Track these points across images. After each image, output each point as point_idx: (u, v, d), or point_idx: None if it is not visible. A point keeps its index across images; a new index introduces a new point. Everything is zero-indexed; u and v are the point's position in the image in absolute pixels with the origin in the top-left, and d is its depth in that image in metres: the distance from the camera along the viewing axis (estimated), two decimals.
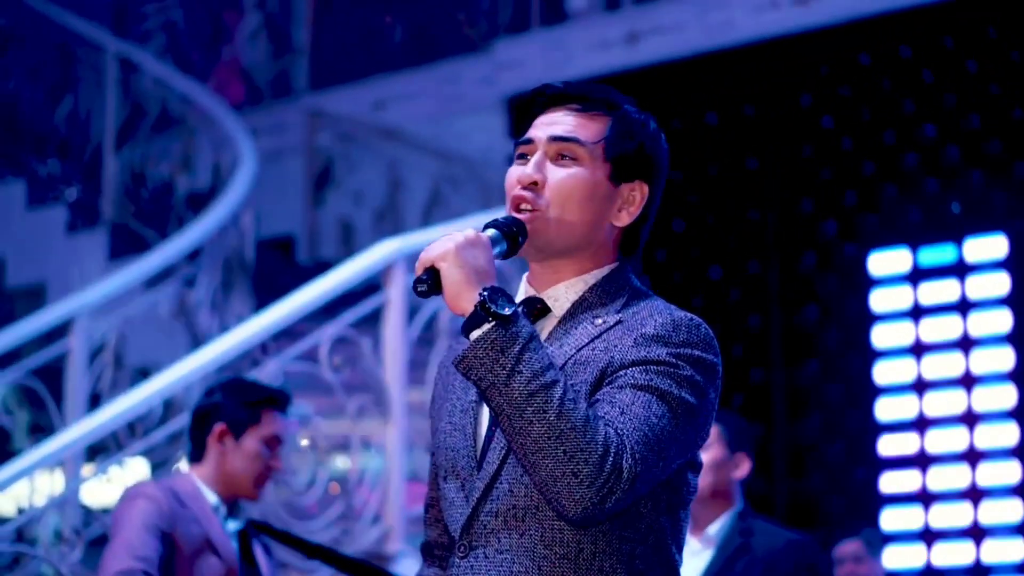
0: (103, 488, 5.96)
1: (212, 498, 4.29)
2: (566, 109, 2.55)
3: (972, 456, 7.18)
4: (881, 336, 7.50)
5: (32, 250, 9.09)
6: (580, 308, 2.51)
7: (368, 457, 6.21)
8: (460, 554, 2.44)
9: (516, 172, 2.52)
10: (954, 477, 7.21)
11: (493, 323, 2.31)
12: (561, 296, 2.53)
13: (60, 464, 5.85)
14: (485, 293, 2.31)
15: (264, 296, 7.43)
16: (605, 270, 2.54)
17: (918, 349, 7.38)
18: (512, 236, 2.46)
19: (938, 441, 7.28)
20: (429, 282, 2.36)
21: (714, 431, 4.59)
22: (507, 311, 2.31)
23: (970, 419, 7.21)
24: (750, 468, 4.76)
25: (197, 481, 4.30)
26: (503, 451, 2.42)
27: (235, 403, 4.34)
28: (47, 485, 5.96)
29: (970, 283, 7.28)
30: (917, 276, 7.43)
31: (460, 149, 9.63)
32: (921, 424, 7.33)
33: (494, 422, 2.41)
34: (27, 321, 6.94)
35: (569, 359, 2.44)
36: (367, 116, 9.96)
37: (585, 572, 2.38)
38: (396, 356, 6.24)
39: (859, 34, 7.77)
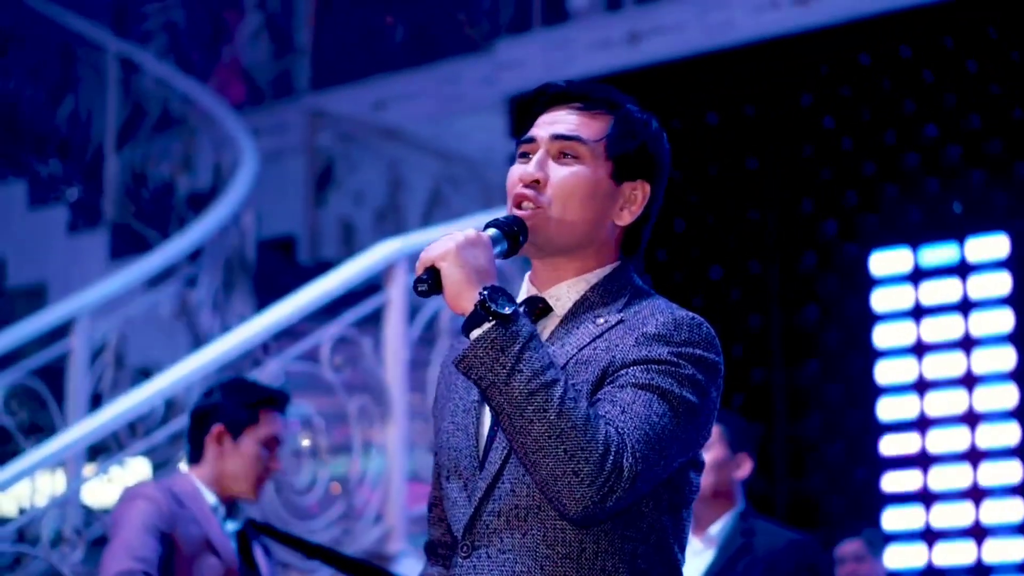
0: (104, 488, 5.96)
1: (211, 498, 4.29)
2: (568, 108, 2.55)
3: (973, 456, 7.18)
4: (882, 336, 7.50)
5: (33, 250, 9.09)
6: (582, 307, 2.51)
7: (369, 457, 6.21)
8: (463, 554, 2.44)
9: (518, 170, 2.53)
10: (955, 477, 7.21)
11: (493, 322, 2.31)
12: (563, 295, 2.53)
13: (61, 464, 5.85)
14: (485, 292, 2.32)
15: (265, 296, 7.43)
16: (607, 269, 2.54)
17: (919, 349, 7.38)
18: (513, 235, 2.46)
19: (939, 441, 7.28)
20: (429, 281, 2.36)
21: (716, 431, 4.59)
22: (507, 310, 2.31)
23: (971, 419, 7.21)
24: (752, 468, 4.76)
25: (196, 481, 4.30)
26: (505, 451, 2.42)
27: (233, 404, 4.34)
28: (48, 485, 5.95)
29: (971, 283, 7.28)
30: (918, 276, 7.43)
31: (461, 149, 9.63)
32: (922, 424, 7.33)
33: (496, 422, 2.41)
34: (28, 321, 6.94)
35: (571, 358, 2.44)
36: (368, 116, 9.96)
37: (588, 572, 2.38)
38: (397, 356, 6.24)
39: (859, 34, 7.77)
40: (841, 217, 7.81)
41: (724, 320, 7.79)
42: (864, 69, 7.79)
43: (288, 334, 6.31)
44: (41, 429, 6.41)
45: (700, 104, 8.17)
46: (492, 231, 2.45)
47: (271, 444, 4.35)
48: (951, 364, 7.29)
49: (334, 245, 9.99)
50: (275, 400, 4.41)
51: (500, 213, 2.54)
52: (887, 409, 7.43)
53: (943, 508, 7.22)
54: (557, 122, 2.54)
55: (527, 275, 2.58)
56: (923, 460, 7.30)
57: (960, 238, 7.35)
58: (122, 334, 7.29)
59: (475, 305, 2.32)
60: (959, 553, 7.16)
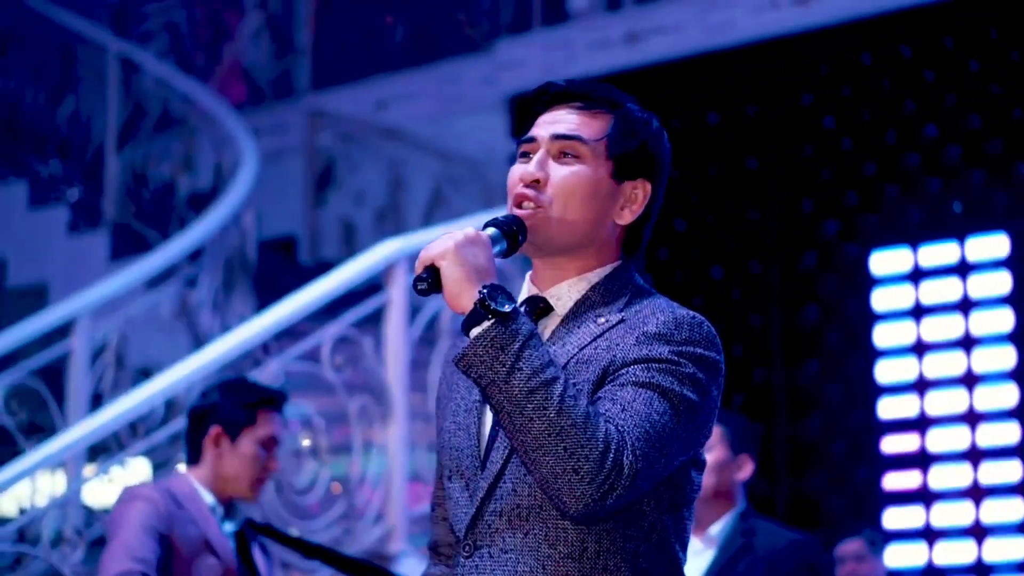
0: (105, 488, 5.96)
1: (209, 499, 4.28)
2: (568, 107, 2.55)
3: (974, 455, 7.19)
4: (882, 335, 7.50)
5: (34, 250, 9.09)
6: (583, 307, 2.51)
7: (370, 457, 6.21)
8: (465, 553, 2.45)
9: (518, 170, 2.53)
10: (956, 476, 7.21)
11: (493, 321, 2.31)
12: (564, 295, 2.53)
13: (62, 464, 5.85)
14: (485, 291, 2.32)
15: (266, 296, 7.43)
16: (608, 268, 2.54)
17: (919, 348, 7.39)
18: (512, 234, 2.46)
19: (940, 440, 7.28)
20: (429, 280, 2.36)
21: (717, 432, 4.59)
22: (507, 308, 2.31)
23: (972, 418, 7.21)
24: (753, 469, 4.76)
25: (194, 482, 4.30)
26: (507, 450, 2.42)
27: (231, 405, 4.33)
28: (49, 485, 5.96)
29: (971, 282, 7.29)
30: (918, 275, 7.44)
31: (461, 149, 9.64)
32: (922, 423, 7.33)
33: (497, 421, 2.41)
34: (28, 321, 6.94)
35: (572, 358, 2.44)
36: (368, 116, 9.96)
37: (589, 571, 2.38)
38: (398, 356, 6.24)
39: (860, 34, 7.77)
40: (841, 217, 7.81)
41: (725, 320, 7.79)
42: (864, 69, 7.80)
43: (289, 334, 6.31)
44: (41, 429, 6.41)
45: (700, 104, 8.17)
46: (491, 230, 2.45)
47: (269, 444, 4.34)
48: (951, 363, 7.29)
49: (335, 245, 9.99)
50: (273, 400, 4.40)
51: (501, 213, 2.54)
52: (887, 409, 7.43)
53: (943, 507, 7.22)
54: (558, 122, 2.54)
55: (528, 274, 2.59)
56: (923, 460, 7.31)
57: (960, 238, 7.35)
58: (123, 334, 7.29)
59: (475, 303, 2.32)
60: (959, 552, 7.16)
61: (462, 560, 2.45)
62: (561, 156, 2.52)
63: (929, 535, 7.24)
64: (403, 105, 9.92)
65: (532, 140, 2.55)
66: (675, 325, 2.42)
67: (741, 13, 8.01)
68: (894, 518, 7.33)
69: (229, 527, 4.31)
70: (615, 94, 2.57)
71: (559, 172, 2.51)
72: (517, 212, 2.49)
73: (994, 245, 7.26)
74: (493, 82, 8.97)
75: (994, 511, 7.11)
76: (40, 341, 6.91)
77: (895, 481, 7.38)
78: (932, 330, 7.36)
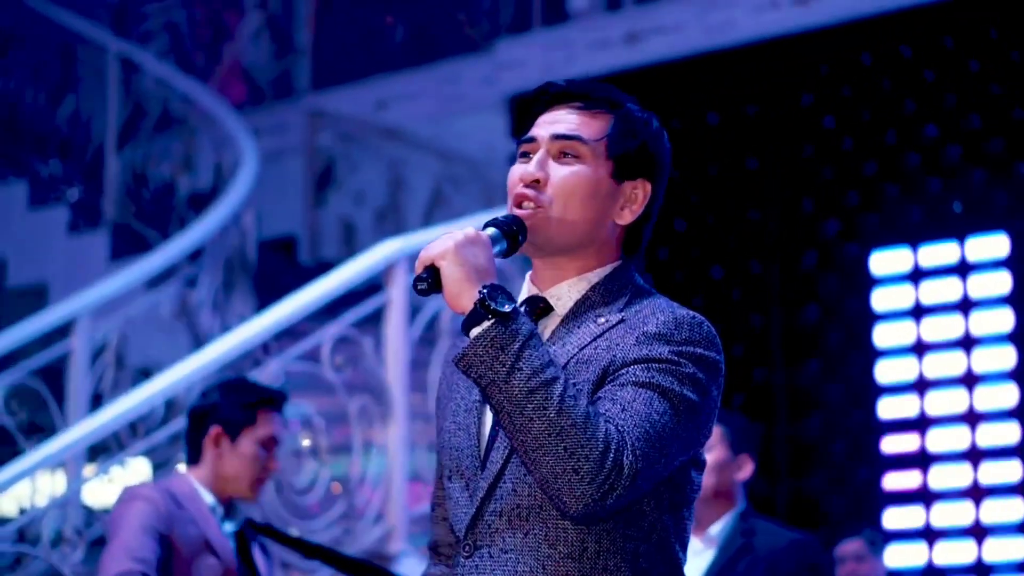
0: (105, 488, 5.96)
1: (209, 499, 4.28)
2: (568, 107, 2.55)
3: (974, 455, 7.19)
4: (882, 335, 7.50)
5: (34, 250, 9.08)
6: (583, 307, 2.51)
7: (370, 457, 6.21)
8: (465, 553, 2.45)
9: (519, 170, 2.53)
10: (956, 476, 7.21)
11: (493, 320, 2.31)
12: (564, 295, 2.53)
13: (62, 464, 5.85)
14: (485, 291, 2.32)
15: (266, 296, 7.43)
16: (608, 268, 2.54)
17: (919, 348, 7.39)
18: (512, 234, 2.46)
19: (940, 440, 7.28)
20: (429, 280, 2.36)
21: (717, 432, 4.59)
22: (506, 308, 2.31)
23: (972, 418, 7.21)
24: (753, 469, 4.76)
25: (194, 482, 4.29)
26: (507, 450, 2.42)
27: (230, 405, 4.33)
28: (49, 485, 5.95)
29: (971, 282, 7.29)
30: (918, 275, 7.44)
31: (461, 149, 9.64)
32: (923, 423, 7.33)
33: (497, 421, 2.41)
34: (29, 321, 6.94)
35: (572, 358, 2.44)
36: (368, 116, 9.97)
37: (590, 571, 2.38)
38: (398, 356, 6.24)
39: (860, 34, 7.77)
40: (842, 217, 7.81)
41: (725, 320, 7.79)
42: (865, 69, 7.80)
43: (289, 334, 6.31)
44: (41, 429, 6.41)
45: (700, 104, 8.17)
46: (491, 230, 2.45)
47: (269, 444, 4.34)
48: (951, 363, 7.29)
49: (335, 245, 9.99)
50: (272, 400, 4.40)
51: (501, 213, 2.54)
52: (887, 409, 7.43)
53: (943, 507, 7.22)
54: (558, 121, 2.54)
55: (528, 274, 2.59)
56: (923, 459, 7.31)
57: (960, 238, 7.35)
58: (123, 334, 7.28)
59: (474, 303, 2.32)
60: (959, 552, 7.16)
61: (462, 560, 2.45)
62: (561, 156, 2.52)
63: (929, 535, 7.24)
64: (403, 105, 9.92)
65: (532, 140, 2.55)
66: (675, 325, 2.42)
67: (741, 13, 8.01)
68: (894, 518, 7.34)
69: (229, 527, 4.31)
70: (615, 94, 2.57)
71: (559, 172, 2.51)
72: (517, 212, 2.49)
73: (994, 245, 7.27)
74: (493, 82, 8.97)
75: (994, 511, 7.11)
76: (40, 341, 6.91)
77: (895, 481, 7.38)
78: (932, 330, 7.36)
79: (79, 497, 5.80)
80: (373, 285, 6.42)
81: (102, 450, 6.10)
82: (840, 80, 7.85)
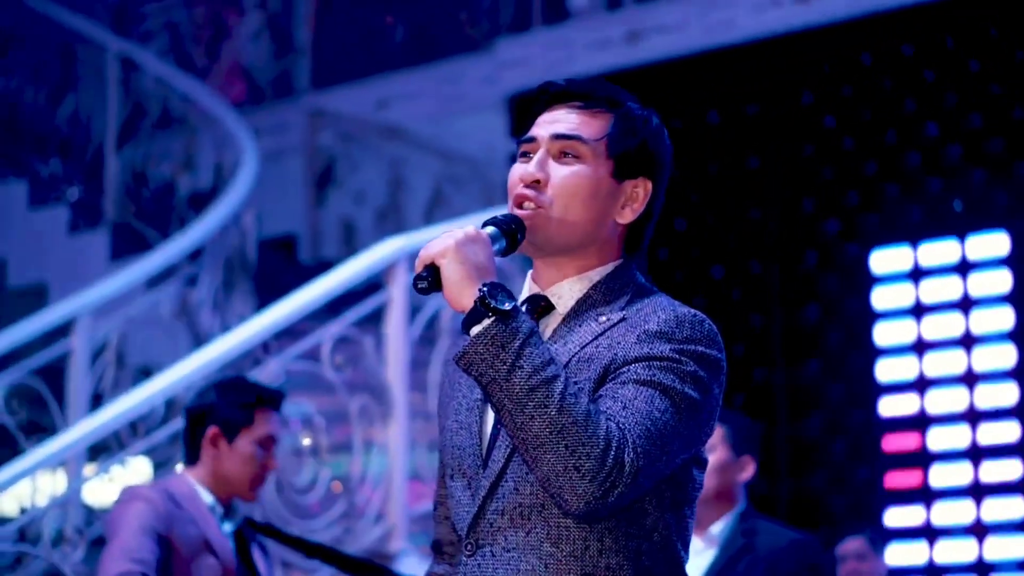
0: (105, 487, 5.96)
1: (208, 499, 4.28)
2: (568, 107, 2.55)
3: (975, 453, 7.19)
4: (883, 334, 7.50)
5: (34, 250, 9.08)
6: (584, 305, 2.51)
7: (370, 456, 6.21)
8: (467, 552, 2.44)
9: (519, 170, 2.53)
10: (957, 474, 7.21)
11: (493, 319, 2.31)
12: (565, 293, 2.53)
13: (62, 464, 5.85)
14: (485, 289, 2.32)
15: (266, 296, 7.42)
16: (609, 267, 2.54)
17: (920, 347, 7.38)
18: (511, 233, 2.46)
19: (941, 439, 7.28)
20: (429, 279, 2.36)
21: (719, 433, 4.60)
22: (507, 306, 2.31)
23: (973, 416, 7.21)
24: (755, 470, 4.76)
25: (193, 482, 4.29)
26: (508, 449, 2.42)
27: (227, 405, 4.32)
28: (49, 485, 5.95)
29: (972, 281, 7.28)
30: (919, 274, 7.43)
31: (462, 148, 9.63)
32: (923, 422, 7.33)
33: (499, 419, 2.41)
34: (29, 321, 6.94)
35: (573, 356, 2.44)
36: (369, 115, 9.96)
37: (592, 569, 2.38)
38: (398, 355, 6.24)
39: (860, 33, 7.77)
40: (842, 216, 7.81)
41: (725, 319, 7.79)
42: (865, 68, 7.80)
43: (289, 333, 6.31)
44: (42, 429, 6.41)
45: (701, 103, 8.17)
46: (490, 229, 2.45)
47: (267, 444, 4.33)
48: (952, 362, 7.29)
49: (335, 244, 9.99)
50: (269, 399, 4.39)
51: (501, 212, 2.54)
52: (888, 407, 7.43)
53: (944, 506, 7.22)
54: (557, 121, 2.53)
55: (529, 273, 2.58)
56: (924, 458, 7.30)
57: (960, 236, 7.35)
58: (123, 334, 7.28)
59: (475, 302, 2.32)
60: (960, 551, 7.16)
61: (464, 559, 2.45)
62: (561, 156, 2.52)
63: (930, 534, 7.24)
64: (403, 104, 9.92)
65: (532, 140, 2.54)
66: (676, 323, 2.42)
67: (742, 12, 8.01)
68: (895, 517, 7.33)
69: (228, 527, 4.31)
70: (615, 93, 2.57)
71: (559, 172, 2.51)
72: (517, 212, 2.49)
73: (994, 244, 7.26)
74: (493, 81, 8.97)
75: (995, 509, 7.11)
76: (40, 340, 6.90)
77: (896, 480, 7.37)
78: (933, 329, 7.36)
79: (80, 496, 5.81)
80: (373, 284, 6.42)
81: (102, 449, 6.10)
82: (840, 79, 7.85)
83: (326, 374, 6.10)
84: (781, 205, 8.01)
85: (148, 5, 11.26)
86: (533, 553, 2.39)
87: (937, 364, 7.33)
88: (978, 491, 7.15)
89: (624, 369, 2.39)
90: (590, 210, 2.50)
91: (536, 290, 2.55)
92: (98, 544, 5.04)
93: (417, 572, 4.93)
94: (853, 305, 7.68)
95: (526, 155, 2.54)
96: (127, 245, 8.72)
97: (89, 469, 6.03)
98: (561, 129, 2.52)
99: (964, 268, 7.31)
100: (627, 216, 2.55)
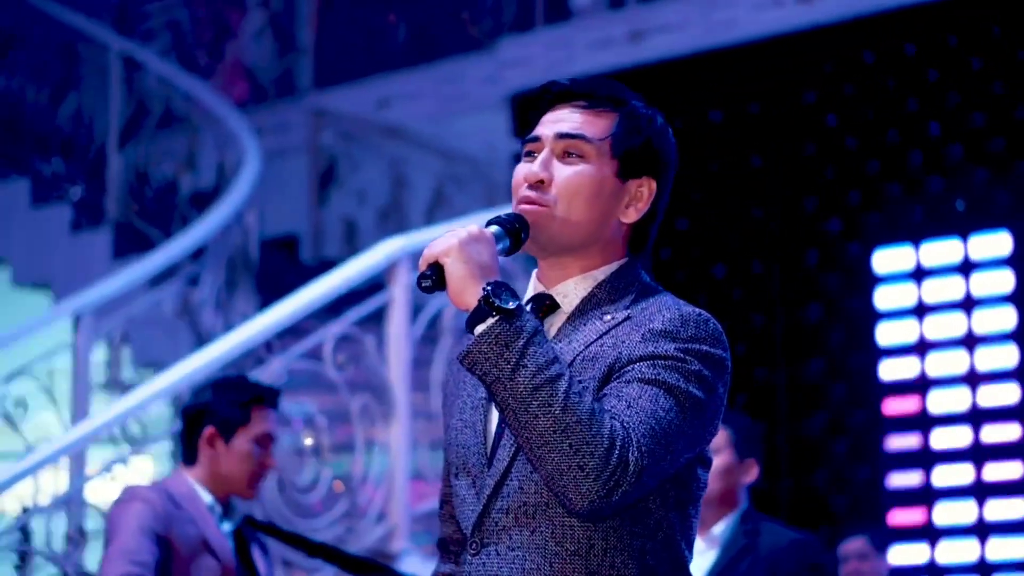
0: (108, 486, 5.96)
1: (207, 498, 4.28)
2: (572, 106, 2.55)
3: (977, 454, 7.18)
4: (885, 334, 7.50)
5: (36, 249, 9.09)
6: (589, 304, 2.51)
7: (372, 455, 6.21)
8: (472, 551, 2.45)
9: (523, 170, 2.53)
10: (959, 474, 7.21)
11: (497, 317, 2.31)
12: (570, 292, 2.53)
13: (65, 462, 5.85)
14: (489, 288, 2.31)
15: (268, 295, 7.43)
16: (614, 266, 2.54)
17: (922, 347, 7.38)
18: (515, 232, 2.46)
19: (943, 439, 7.28)
20: (433, 278, 2.36)
21: (724, 436, 4.60)
22: (511, 305, 2.31)
23: (975, 417, 7.20)
24: (758, 472, 4.76)
25: (192, 482, 4.29)
26: (513, 448, 2.42)
27: (223, 404, 4.32)
28: (52, 483, 5.96)
29: (974, 280, 7.28)
30: (921, 274, 7.43)
31: (464, 148, 9.63)
32: (926, 422, 7.32)
33: (504, 418, 2.41)
34: (32, 319, 6.94)
35: (578, 355, 2.44)
36: (371, 115, 9.96)
37: (596, 568, 2.38)
38: (400, 354, 6.24)
39: (863, 32, 7.76)
40: (844, 215, 7.80)
41: (727, 319, 7.72)
42: (867, 67, 7.79)
43: (291, 332, 6.32)
44: (45, 427, 6.41)
45: (703, 102, 8.16)
46: (494, 228, 2.45)
47: (264, 442, 4.33)
48: (954, 362, 7.29)
49: (337, 244, 9.99)
50: (266, 397, 4.38)
51: (504, 211, 2.54)
52: (890, 407, 7.43)
53: (947, 505, 7.22)
54: (561, 120, 2.53)
55: (534, 272, 2.59)
56: (927, 458, 7.30)
57: (963, 236, 7.34)
58: (125, 333, 7.29)
59: (479, 301, 2.32)
60: (962, 551, 7.16)
61: (469, 558, 2.45)
62: (565, 155, 2.52)
63: (932, 534, 7.24)
64: (405, 104, 9.92)
65: (536, 139, 2.54)
66: (681, 322, 2.42)
67: (744, 11, 8.01)
68: (897, 516, 7.33)
69: (227, 526, 4.30)
70: (619, 92, 2.57)
71: (563, 172, 2.51)
72: (521, 208, 2.49)
73: (997, 243, 7.26)
74: (495, 81, 8.97)
75: (998, 510, 7.11)
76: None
77: (898, 480, 7.37)
78: (935, 328, 7.36)
79: (82, 495, 5.81)
80: (375, 284, 6.42)
81: (105, 448, 6.10)
82: (843, 79, 7.85)
83: (328, 373, 6.11)
84: (783, 204, 8.01)
85: (150, 4, 11.26)
86: (538, 552, 2.39)
87: (939, 364, 7.33)
88: (980, 491, 7.15)
89: (629, 368, 2.38)
90: (594, 209, 2.50)
91: (541, 289, 2.55)
92: (101, 544, 5.04)
93: (419, 572, 4.94)
94: (855, 305, 7.68)
95: (530, 154, 2.54)
96: (129, 244, 8.72)
97: (91, 468, 6.03)
98: (565, 128, 2.52)
99: (966, 268, 7.31)
100: (631, 215, 2.54)
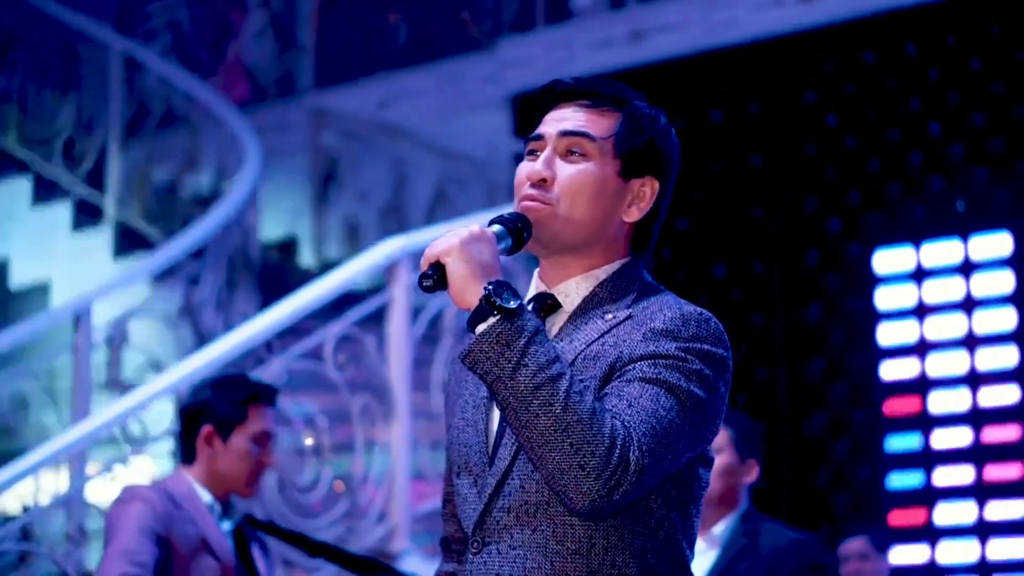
0: (108, 486, 5.96)
1: (207, 497, 4.28)
2: (576, 105, 2.55)
3: (978, 454, 7.18)
4: (885, 334, 7.50)
5: (37, 248, 9.09)
6: (590, 304, 2.51)
7: (372, 455, 6.21)
8: (473, 550, 2.45)
9: (525, 168, 2.53)
10: (960, 475, 7.21)
11: (498, 317, 2.31)
12: (572, 292, 2.53)
13: (65, 462, 5.85)
14: (490, 287, 2.32)
15: (269, 294, 7.43)
16: (616, 265, 2.54)
17: (923, 347, 7.38)
18: (517, 232, 2.46)
19: (943, 439, 7.28)
20: (434, 277, 2.36)
21: (725, 436, 4.60)
22: (512, 304, 2.31)
23: (975, 417, 7.21)
24: (759, 472, 4.76)
25: (191, 481, 4.29)
26: (514, 447, 2.42)
27: (221, 403, 4.31)
28: (52, 483, 5.96)
29: (975, 281, 7.28)
30: (921, 274, 7.43)
31: (464, 147, 9.64)
32: (926, 422, 7.32)
33: (505, 417, 2.41)
34: (32, 319, 6.95)
35: (579, 354, 2.44)
36: (372, 115, 9.96)
37: (598, 567, 2.38)
38: (400, 354, 6.24)
39: (863, 32, 7.76)
40: (844, 215, 7.80)
41: (727, 319, 7.74)
42: (868, 67, 7.79)
43: (292, 332, 6.32)
44: (45, 427, 6.41)
45: (703, 102, 8.16)
46: (496, 227, 2.45)
47: (262, 440, 4.32)
48: (955, 362, 7.29)
49: (338, 243, 9.99)
50: (263, 395, 4.38)
51: (505, 211, 2.54)
52: (891, 407, 7.43)
53: (947, 506, 7.22)
54: (565, 119, 2.54)
55: (536, 272, 2.59)
56: (927, 458, 7.30)
57: (963, 236, 7.34)
58: (125, 332, 7.29)
59: (480, 300, 2.32)
60: (963, 551, 7.15)
61: (471, 556, 2.45)
62: (568, 154, 2.52)
63: (932, 534, 7.24)
64: (406, 104, 9.92)
65: (539, 137, 2.54)
66: (682, 321, 2.42)
67: (744, 11, 8.01)
68: (898, 517, 7.33)
69: (227, 525, 4.30)
70: (622, 91, 2.57)
71: (566, 171, 2.51)
72: (524, 205, 2.49)
73: (997, 244, 7.26)
74: (496, 81, 8.97)
75: (998, 510, 7.11)
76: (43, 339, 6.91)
77: (899, 480, 7.37)
78: (935, 329, 7.35)
79: (82, 495, 5.81)
80: (376, 283, 6.43)
81: (106, 448, 6.10)
82: (843, 78, 7.85)
83: (329, 373, 6.11)
84: (783, 204, 8.01)
85: (151, 4, 11.26)
86: (539, 551, 2.39)
87: (940, 365, 7.33)
88: (981, 492, 7.15)
89: (630, 367, 2.39)
90: (596, 208, 2.50)
91: (543, 288, 2.55)
92: (101, 543, 5.04)
93: (420, 572, 4.95)
94: (855, 305, 7.68)
95: (533, 153, 2.54)
96: (130, 244, 8.73)
97: (92, 468, 6.03)
98: (569, 126, 2.52)
99: (967, 268, 7.31)
100: (634, 215, 2.55)
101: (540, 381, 2.29)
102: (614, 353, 2.41)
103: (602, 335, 2.45)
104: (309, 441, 6.11)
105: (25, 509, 5.68)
